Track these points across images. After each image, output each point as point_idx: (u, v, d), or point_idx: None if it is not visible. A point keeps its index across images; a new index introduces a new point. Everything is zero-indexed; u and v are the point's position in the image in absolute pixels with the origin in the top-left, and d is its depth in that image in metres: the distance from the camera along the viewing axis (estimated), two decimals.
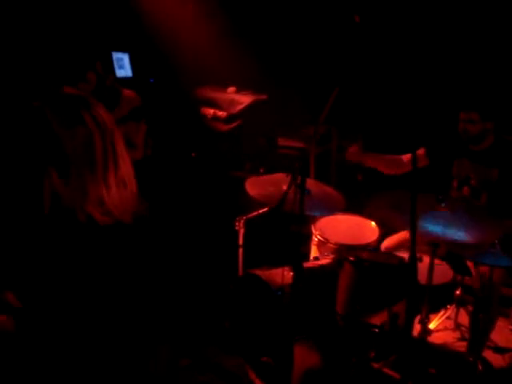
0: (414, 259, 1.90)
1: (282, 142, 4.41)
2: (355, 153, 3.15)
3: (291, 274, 2.77)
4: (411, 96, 3.81)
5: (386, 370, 2.73)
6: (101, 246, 1.46)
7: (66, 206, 1.43)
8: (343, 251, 3.05)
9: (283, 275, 2.71)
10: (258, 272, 2.84)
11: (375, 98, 4.00)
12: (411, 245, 1.85)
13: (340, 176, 4.54)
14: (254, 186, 2.86)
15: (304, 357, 2.77)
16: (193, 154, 4.44)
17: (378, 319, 2.57)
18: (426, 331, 2.54)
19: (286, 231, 2.90)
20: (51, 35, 4.05)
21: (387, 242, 3.27)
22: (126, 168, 1.56)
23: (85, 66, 3.38)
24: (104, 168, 1.48)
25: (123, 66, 4.87)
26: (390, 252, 2.88)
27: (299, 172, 2.37)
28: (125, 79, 4.74)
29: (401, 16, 3.42)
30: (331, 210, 3.05)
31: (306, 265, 2.89)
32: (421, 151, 3.28)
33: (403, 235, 3.27)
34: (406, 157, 3.29)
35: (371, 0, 3.07)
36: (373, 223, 3.38)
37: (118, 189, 1.52)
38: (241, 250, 3.25)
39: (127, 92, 3.39)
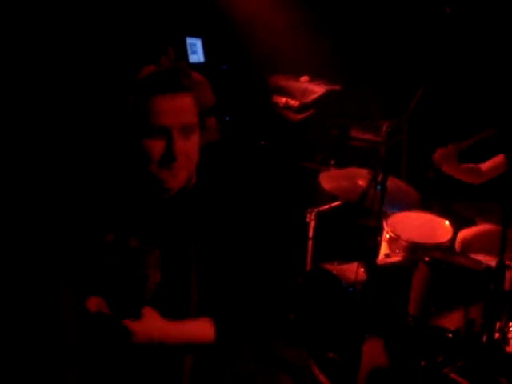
0: (503, 266, 1.82)
1: (354, 133, 4.32)
2: (441, 157, 3.04)
3: (363, 270, 2.73)
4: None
5: (453, 376, 2.65)
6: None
7: None
8: (417, 250, 2.97)
9: (355, 271, 2.67)
10: (329, 267, 2.80)
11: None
12: (500, 252, 1.78)
13: (410, 171, 4.42)
14: (327, 180, 2.82)
15: (372, 355, 2.71)
16: (262, 142, 4.41)
17: (452, 323, 2.48)
18: (504, 340, 2.44)
19: (355, 225, 2.85)
20: (126, 21, 4.10)
21: (463, 235, 3.16)
22: None
23: (158, 51, 3.40)
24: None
25: (196, 51, 4.89)
26: (466, 254, 2.77)
27: (381, 169, 2.30)
28: (197, 65, 4.76)
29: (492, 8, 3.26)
30: (406, 206, 2.97)
31: (378, 262, 2.83)
32: (499, 158, 3.14)
33: (480, 229, 3.16)
34: (485, 166, 3.15)
35: None
36: (447, 222, 3.27)
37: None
38: (310, 243, 3.22)
39: (196, 76, 3.37)
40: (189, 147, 1.52)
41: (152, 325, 1.50)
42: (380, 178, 2.47)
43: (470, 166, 3.19)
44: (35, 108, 3.37)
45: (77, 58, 3.79)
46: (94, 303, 1.53)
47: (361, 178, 2.87)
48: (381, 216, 2.43)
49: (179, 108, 1.51)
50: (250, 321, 1.65)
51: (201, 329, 1.57)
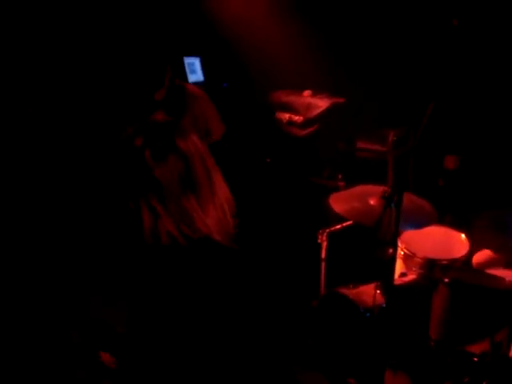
0: None
1: (360, 144, 4.24)
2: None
3: (379, 293, 2.64)
4: None
5: None
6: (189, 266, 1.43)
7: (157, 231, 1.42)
8: (434, 266, 2.87)
9: (371, 294, 2.58)
10: (345, 291, 2.71)
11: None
12: None
13: (418, 180, 4.33)
14: (338, 202, 2.72)
15: (393, 381, 2.62)
16: (267, 160, 4.33)
17: (477, 347, 2.38)
18: None
19: (371, 257, 2.77)
20: (123, 42, 4.06)
21: (479, 255, 3.06)
22: (224, 194, 1.54)
23: (157, 72, 3.35)
24: (199, 193, 1.46)
25: (195, 70, 4.83)
26: (488, 272, 2.67)
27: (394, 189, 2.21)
28: (197, 84, 4.69)
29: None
30: (422, 223, 2.86)
31: (395, 283, 2.73)
32: None
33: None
34: None
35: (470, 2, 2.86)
36: (462, 235, 3.18)
37: (216, 214, 1.51)
38: (323, 264, 3.13)
39: (191, 87, 3.29)
40: None
41: None
42: (394, 196, 2.37)
43: None
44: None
45: (75, 81, 3.75)
46: (107, 355, 1.48)
47: (371, 196, 2.77)
48: (397, 237, 2.32)
49: None
50: None
51: None
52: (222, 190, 1.55)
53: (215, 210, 1.52)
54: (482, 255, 3.04)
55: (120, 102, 3.12)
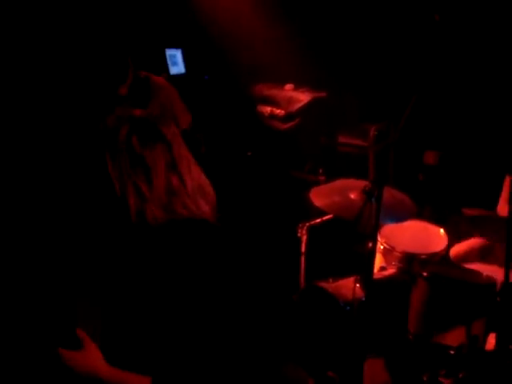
0: (508, 283, 1.74)
1: (342, 139, 4.25)
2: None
3: (359, 286, 2.65)
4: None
5: None
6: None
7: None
8: (413, 261, 2.90)
9: (350, 288, 2.59)
10: (325, 284, 2.72)
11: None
12: (505, 267, 1.70)
13: (399, 174, 4.36)
14: (318, 196, 2.72)
15: (372, 374, 2.64)
16: (249, 153, 4.32)
17: (454, 340, 2.40)
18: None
19: (351, 251, 2.78)
20: (105, 36, 4.01)
21: (456, 250, 3.09)
22: (198, 174, 1.55)
23: (138, 64, 3.30)
24: (181, 174, 1.51)
25: (176, 62, 4.79)
26: (463, 266, 2.70)
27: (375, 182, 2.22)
28: (178, 76, 4.66)
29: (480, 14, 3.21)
30: (402, 217, 2.88)
31: (375, 277, 2.75)
32: None
33: (473, 242, 3.09)
34: None
35: None
36: (441, 230, 3.20)
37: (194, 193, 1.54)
38: (303, 258, 3.13)
39: (155, 77, 3.24)
40: None
41: (93, 361, 1.41)
42: (374, 191, 2.38)
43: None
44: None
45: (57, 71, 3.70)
46: None
47: (352, 190, 2.77)
48: (377, 231, 2.33)
49: None
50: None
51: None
52: (197, 176, 1.58)
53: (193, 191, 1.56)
54: (458, 248, 3.08)
55: (87, 96, 3.10)
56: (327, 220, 3.11)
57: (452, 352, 2.38)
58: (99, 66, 3.01)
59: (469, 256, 2.90)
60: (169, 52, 4.69)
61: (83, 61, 3.37)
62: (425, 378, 2.56)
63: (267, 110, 4.32)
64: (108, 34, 3.81)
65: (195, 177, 1.57)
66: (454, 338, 2.39)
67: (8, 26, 3.35)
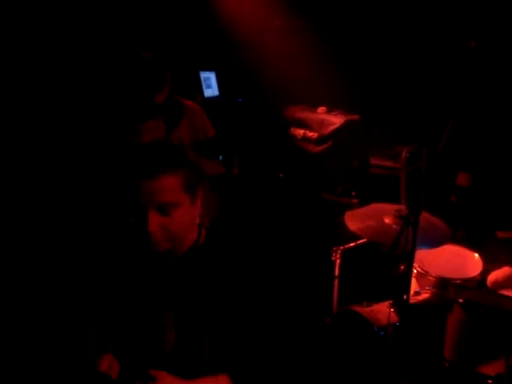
0: None
1: (374, 161, 4.25)
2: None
3: (393, 311, 2.64)
4: None
5: None
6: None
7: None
8: (449, 289, 2.86)
9: (385, 313, 2.58)
10: (359, 309, 2.71)
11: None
12: None
13: (430, 196, 4.32)
14: (353, 220, 2.73)
15: None
16: (281, 175, 4.36)
17: (492, 369, 2.36)
18: None
19: (386, 275, 2.77)
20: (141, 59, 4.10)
21: (494, 276, 3.04)
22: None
23: (174, 86, 3.38)
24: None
25: (211, 85, 4.87)
26: (501, 293, 2.66)
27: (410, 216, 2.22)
28: (212, 99, 4.73)
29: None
30: (436, 242, 2.86)
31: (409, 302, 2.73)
32: None
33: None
34: None
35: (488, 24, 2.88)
36: (476, 255, 3.16)
37: None
38: (336, 282, 3.13)
39: (188, 102, 3.31)
40: (168, 223, 1.52)
41: None
42: (410, 217, 2.37)
43: None
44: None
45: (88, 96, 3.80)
46: (107, 362, 1.53)
47: (386, 214, 2.77)
48: (413, 256, 2.33)
49: (157, 189, 1.50)
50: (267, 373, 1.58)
51: None
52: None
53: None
54: (496, 275, 3.03)
55: (121, 105, 3.18)
56: (361, 244, 3.11)
57: (490, 382, 2.33)
58: (139, 76, 3.08)
59: (507, 283, 2.86)
60: (203, 74, 4.78)
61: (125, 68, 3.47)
62: None
63: (300, 132, 4.36)
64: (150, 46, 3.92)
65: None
66: (492, 367, 2.35)
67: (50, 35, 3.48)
